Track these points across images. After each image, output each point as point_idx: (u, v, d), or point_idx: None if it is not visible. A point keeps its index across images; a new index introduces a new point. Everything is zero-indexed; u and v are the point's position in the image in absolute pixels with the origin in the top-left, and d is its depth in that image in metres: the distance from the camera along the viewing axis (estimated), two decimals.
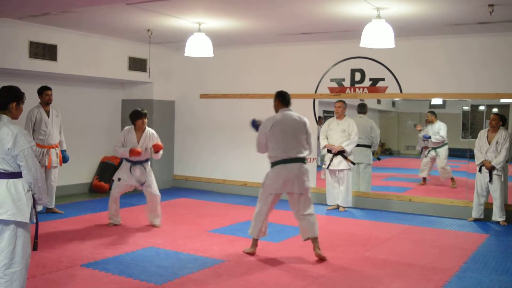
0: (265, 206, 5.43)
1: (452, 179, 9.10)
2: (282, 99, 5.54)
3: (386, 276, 4.89)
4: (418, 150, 10.11)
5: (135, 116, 6.61)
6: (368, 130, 8.68)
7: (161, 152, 6.70)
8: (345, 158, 7.89)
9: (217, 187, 9.92)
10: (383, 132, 10.26)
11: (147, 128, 6.68)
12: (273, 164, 5.41)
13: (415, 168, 10.16)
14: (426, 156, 9.37)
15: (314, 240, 5.38)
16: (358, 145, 8.34)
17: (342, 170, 7.97)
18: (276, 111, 5.56)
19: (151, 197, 6.66)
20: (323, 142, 8.15)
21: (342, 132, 7.94)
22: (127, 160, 6.59)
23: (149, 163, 6.72)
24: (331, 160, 7.97)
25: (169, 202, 8.55)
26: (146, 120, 6.64)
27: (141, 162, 6.60)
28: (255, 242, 5.54)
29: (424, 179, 9.42)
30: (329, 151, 8.05)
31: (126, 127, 6.71)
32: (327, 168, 8.08)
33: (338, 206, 8.14)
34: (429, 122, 9.37)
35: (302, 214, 5.41)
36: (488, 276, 4.94)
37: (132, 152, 6.43)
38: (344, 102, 8.13)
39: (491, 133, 7.41)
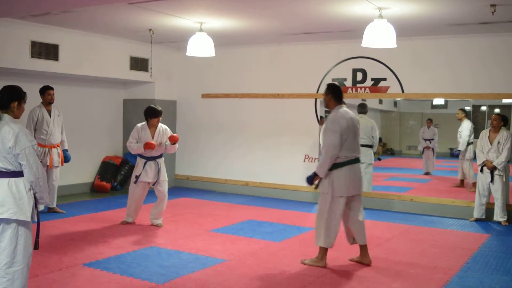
0: (338, 211, 5.02)
1: (462, 181, 8.92)
2: (335, 96, 5.12)
3: (387, 275, 4.89)
4: (419, 150, 10.12)
5: (152, 114, 6.59)
6: (369, 130, 8.67)
7: (177, 144, 6.75)
8: None
9: (218, 186, 9.93)
10: (385, 132, 10.27)
11: (160, 124, 6.70)
12: (340, 164, 4.99)
13: (417, 168, 10.18)
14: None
15: (363, 247, 5.19)
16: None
17: None
18: (328, 106, 5.20)
19: (161, 195, 6.68)
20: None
21: None
22: (142, 156, 6.60)
23: (162, 159, 6.74)
24: None
25: (171, 202, 8.53)
26: (160, 118, 6.66)
27: (155, 158, 6.62)
28: (324, 252, 5.11)
29: (473, 184, 8.37)
30: None
31: (139, 124, 6.69)
32: None
33: None
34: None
35: (357, 219, 5.13)
36: (489, 276, 4.94)
37: (147, 144, 6.43)
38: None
39: (493, 133, 7.41)
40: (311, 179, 5.13)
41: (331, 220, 5.02)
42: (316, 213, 5.23)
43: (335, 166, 5.00)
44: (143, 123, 6.68)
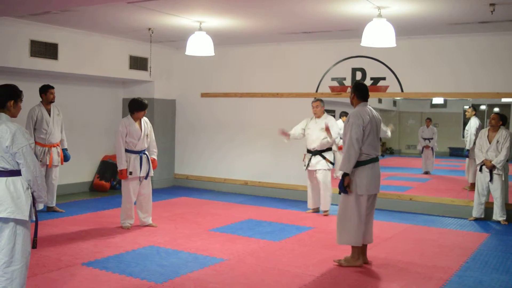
0: (363, 209, 5.01)
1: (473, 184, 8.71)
2: (359, 94, 5.14)
3: (387, 275, 4.89)
4: (419, 149, 10.10)
5: (139, 107, 6.47)
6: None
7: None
8: (324, 157, 7.62)
9: (218, 186, 9.93)
10: None
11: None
12: (362, 163, 4.98)
13: (416, 168, 10.16)
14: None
15: (364, 246, 5.18)
16: None
17: (320, 170, 7.63)
18: (352, 104, 5.22)
19: (147, 190, 6.61)
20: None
21: (320, 130, 7.62)
22: (131, 151, 6.48)
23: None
24: (310, 160, 7.72)
25: (170, 201, 8.56)
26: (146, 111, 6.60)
27: (144, 152, 6.60)
28: (359, 250, 5.11)
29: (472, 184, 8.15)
30: (308, 151, 7.79)
31: (124, 119, 6.55)
32: (306, 169, 7.81)
33: (318, 209, 7.90)
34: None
35: (370, 218, 5.14)
36: (489, 275, 4.94)
37: (122, 174, 6.44)
38: (321, 101, 7.80)
39: (492, 132, 7.41)
40: (342, 184, 4.99)
41: (357, 218, 5.01)
42: (338, 212, 5.17)
43: (357, 164, 4.97)
44: (127, 117, 6.53)
